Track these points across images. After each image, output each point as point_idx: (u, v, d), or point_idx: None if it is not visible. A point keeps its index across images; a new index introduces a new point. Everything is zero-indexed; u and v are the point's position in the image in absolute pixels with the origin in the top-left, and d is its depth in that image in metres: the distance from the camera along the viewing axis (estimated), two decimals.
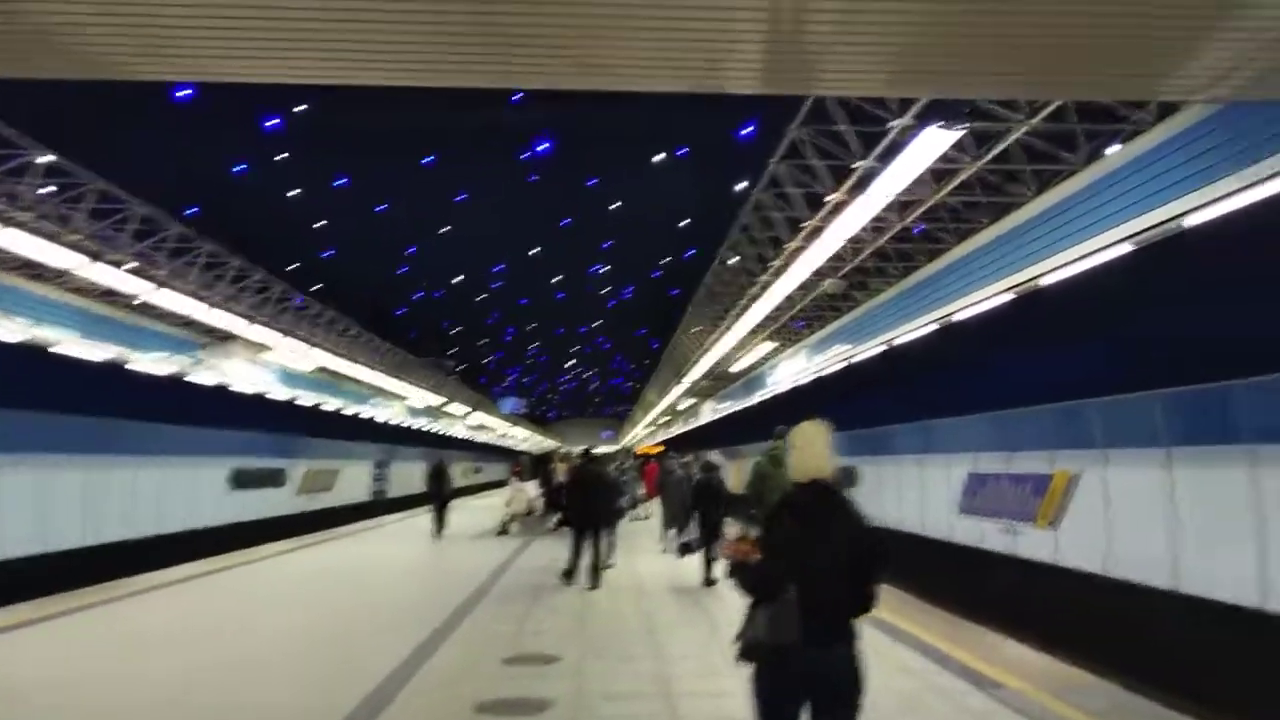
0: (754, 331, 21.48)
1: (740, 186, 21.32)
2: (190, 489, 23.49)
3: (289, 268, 22.60)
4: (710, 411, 40.01)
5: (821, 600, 3.45)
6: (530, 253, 34.38)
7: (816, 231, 13.85)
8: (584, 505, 12.58)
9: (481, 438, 65.52)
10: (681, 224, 29.56)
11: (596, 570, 12.25)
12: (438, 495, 22.07)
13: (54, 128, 12.36)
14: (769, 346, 23.66)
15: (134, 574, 14.29)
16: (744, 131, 21.26)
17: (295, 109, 19.93)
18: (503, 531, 21.23)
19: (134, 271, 15.12)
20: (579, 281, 39.78)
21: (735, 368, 26.19)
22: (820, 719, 3.49)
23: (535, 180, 26.68)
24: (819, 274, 15.52)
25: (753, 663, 3.58)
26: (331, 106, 19.64)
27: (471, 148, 23.81)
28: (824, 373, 21.31)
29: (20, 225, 12.03)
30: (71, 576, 14.61)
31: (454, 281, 38.76)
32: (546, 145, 24.10)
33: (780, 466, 9.07)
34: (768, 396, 27.21)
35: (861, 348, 18.54)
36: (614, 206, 28.96)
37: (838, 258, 15.05)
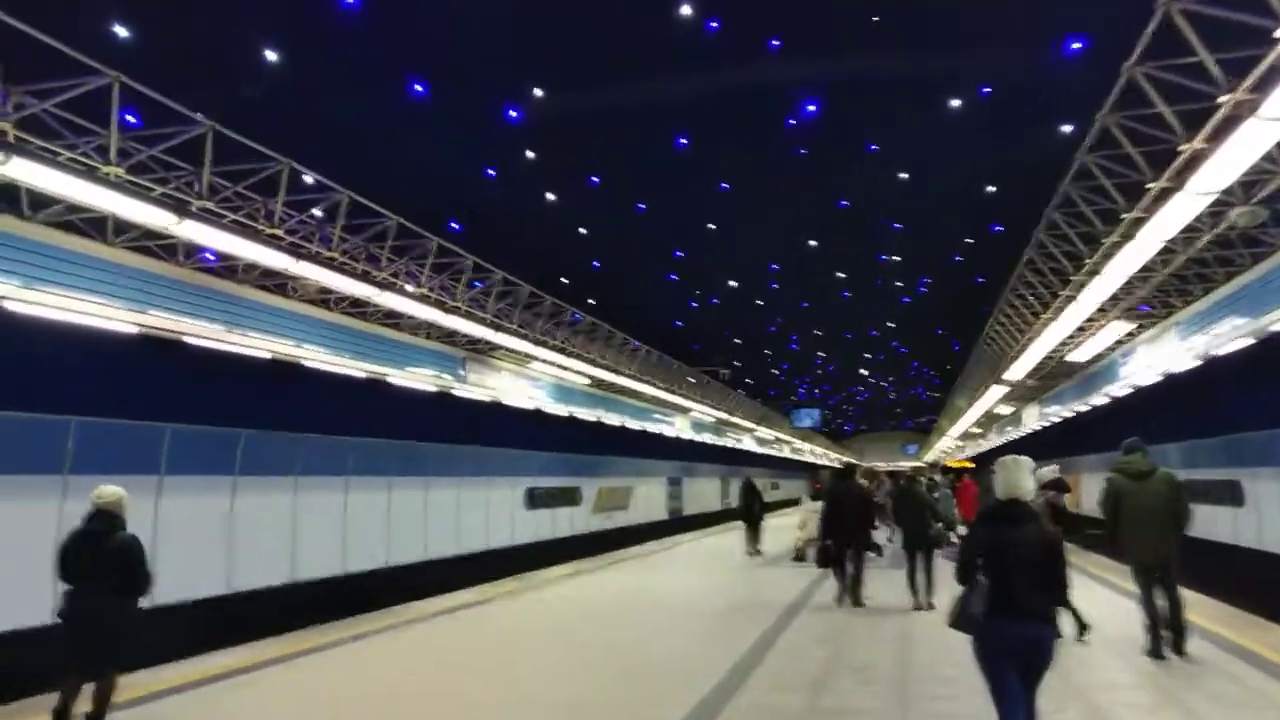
0: (1102, 310, 17.09)
1: (1067, 130, 17.34)
2: (486, 509, 23.84)
3: (559, 277, 21.51)
4: (1037, 418, 34.82)
5: (1014, 588, 4.63)
6: (809, 243, 31.01)
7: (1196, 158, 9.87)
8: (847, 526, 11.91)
9: (774, 453, 63.43)
10: (987, 191, 24.78)
11: (920, 596, 11.27)
12: (749, 512, 22.04)
13: (301, 141, 11.98)
14: (1120, 329, 18.84)
15: (429, 595, 14.10)
16: (1073, 46, 16.82)
17: (532, 93, 18.72)
18: (798, 558, 19.16)
19: (386, 286, 14.65)
20: (866, 275, 35.68)
21: (1074, 356, 21.57)
22: (1023, 678, 4.66)
23: (804, 154, 23.25)
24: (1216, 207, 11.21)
25: (961, 631, 4.82)
26: (566, 91, 18.27)
27: (728, 123, 21.42)
28: (1213, 354, 16.15)
29: (279, 243, 11.78)
30: (368, 599, 14.80)
31: (729, 285, 36.58)
32: (814, 107, 20.86)
33: (1143, 479, 8.23)
34: (1118, 395, 22.40)
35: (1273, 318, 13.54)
36: (901, 178, 24.80)
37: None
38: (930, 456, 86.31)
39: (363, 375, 17.38)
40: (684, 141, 21.67)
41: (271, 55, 15.17)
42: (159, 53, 12.29)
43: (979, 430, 54.22)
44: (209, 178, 10.38)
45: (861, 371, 64.31)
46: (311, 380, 16.21)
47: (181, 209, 9.63)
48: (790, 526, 22.26)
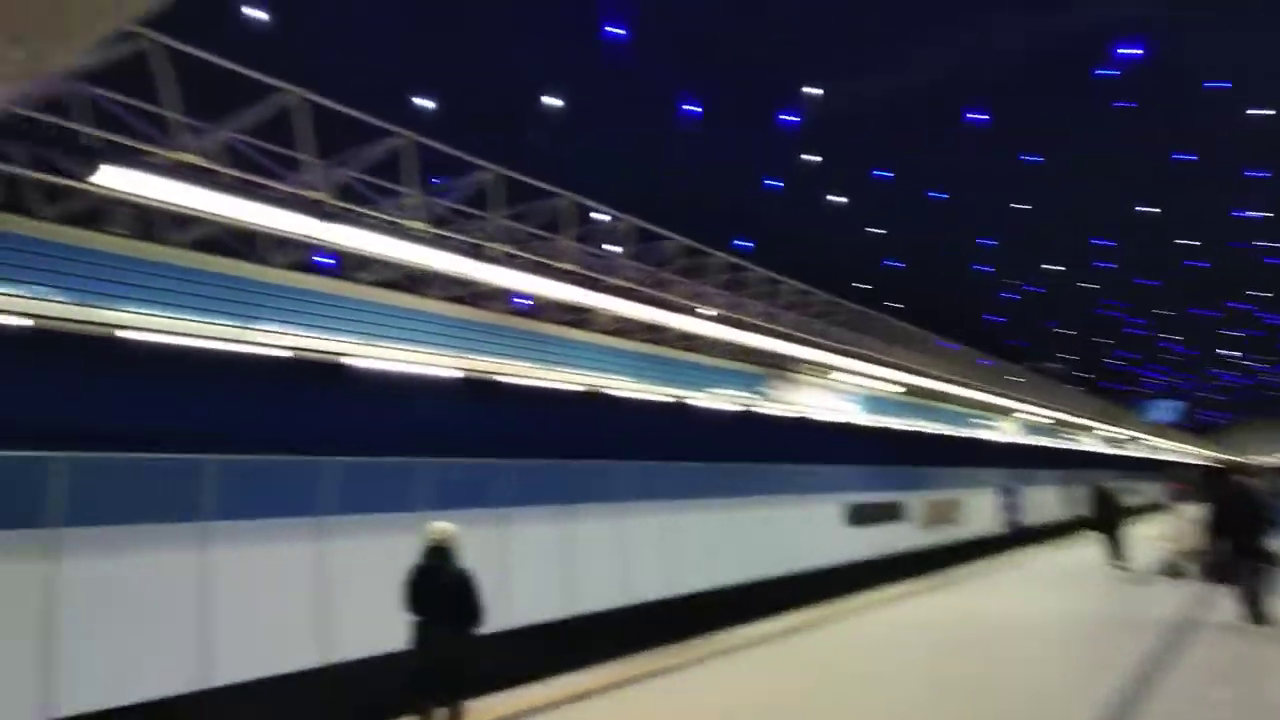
0: None
1: None
2: (806, 528, 23.25)
3: (854, 283, 20.24)
4: None
5: None
6: (1138, 210, 26.63)
7: None
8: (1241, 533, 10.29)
9: (1120, 453, 56.29)
10: None
11: None
12: (1106, 521, 19.41)
13: (582, 176, 12.31)
14: None
15: (754, 618, 13.49)
16: None
17: (805, 93, 17.78)
18: (1172, 573, 16.42)
19: (680, 309, 14.64)
20: (1217, 237, 30.06)
21: None
22: None
23: (1125, 108, 19.89)
24: None
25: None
26: (843, 82, 17.14)
27: (1031, 84, 18.92)
28: None
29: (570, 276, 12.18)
30: (691, 622, 14.55)
31: (1049, 270, 32.65)
32: (1138, 50, 17.74)
33: None
34: None
35: None
36: (1253, 112, 20.37)
37: None
38: None
39: (665, 399, 17.58)
40: (982, 116, 19.58)
41: (551, 100, 15.89)
42: (448, 114, 13.31)
43: None
44: (502, 221, 10.95)
45: (1224, 352, 54.92)
46: (618, 408, 16.65)
47: (478, 253, 10.21)
48: (1151, 537, 19.48)
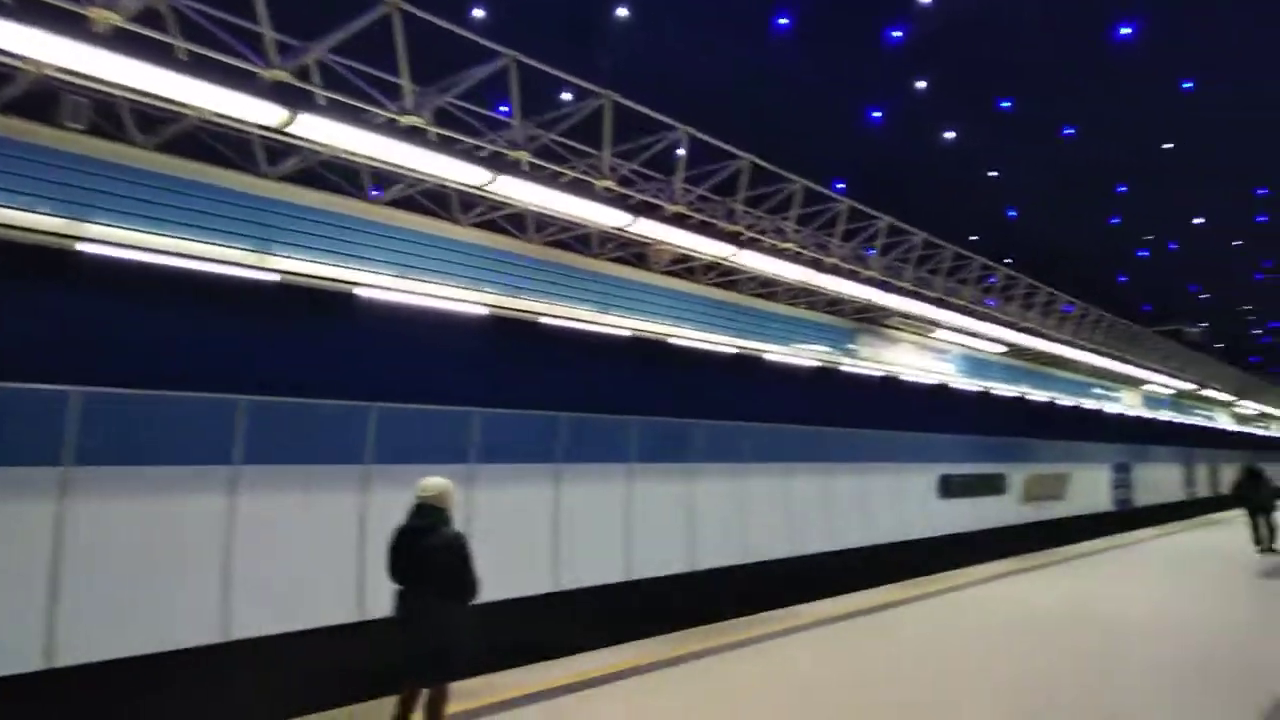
0: None
1: None
2: (895, 498, 21.60)
3: (964, 233, 17.52)
4: None
5: None
6: None
7: None
8: None
9: (1262, 432, 51.35)
10: None
11: None
12: (1253, 501, 18.92)
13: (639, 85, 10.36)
14: None
15: (834, 591, 12.71)
16: None
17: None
18: None
19: (746, 243, 12.63)
20: None
21: None
22: None
23: None
24: None
25: None
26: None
27: None
28: None
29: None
30: (768, 592, 14.11)
31: (1194, 223, 28.55)
32: None
33: None
34: None
35: None
36: None
37: None
38: None
39: (735, 351, 15.78)
40: (1129, 29, 16.30)
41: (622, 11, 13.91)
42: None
43: None
44: (522, 126, 9.17)
45: None
46: (690, 360, 15.18)
47: (497, 164, 8.48)
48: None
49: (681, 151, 12.35)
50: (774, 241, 12.80)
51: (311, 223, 10.50)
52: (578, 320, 12.79)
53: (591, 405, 14.35)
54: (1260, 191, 25.71)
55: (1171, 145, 22.12)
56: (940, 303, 16.94)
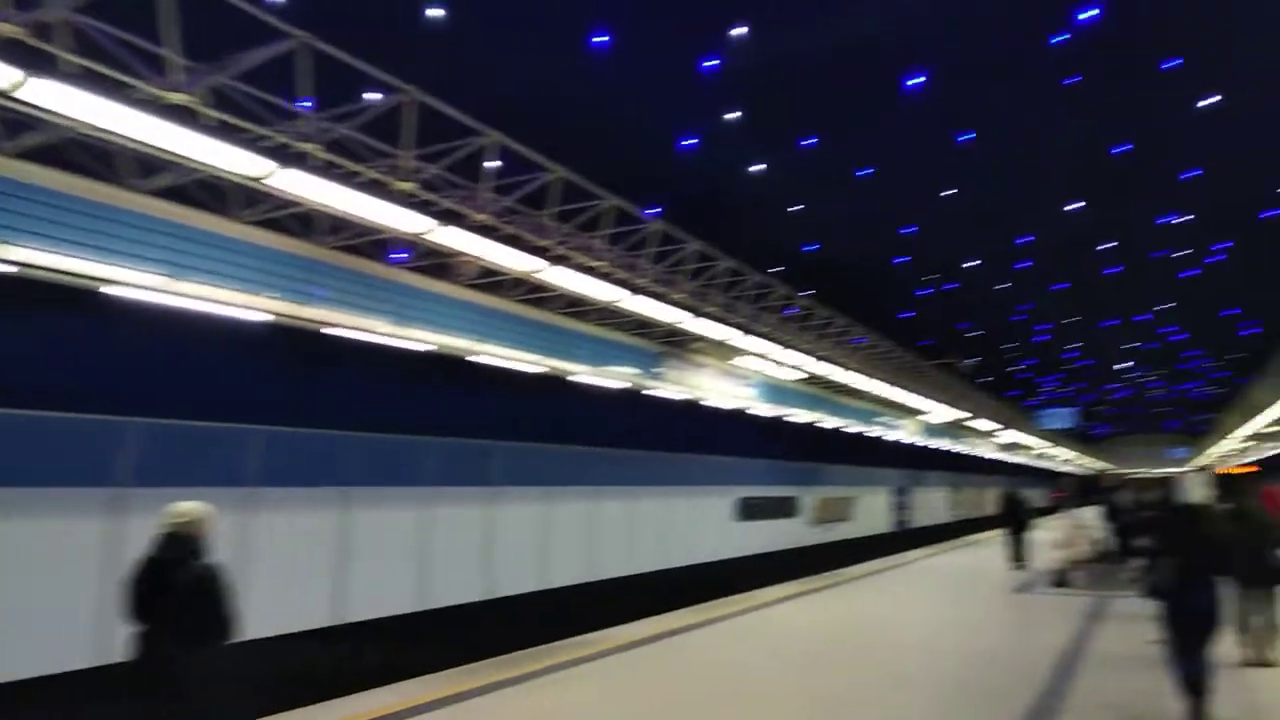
0: None
1: None
2: (693, 520, 21.97)
3: (765, 265, 18.05)
4: None
5: (1191, 568, 6.81)
6: (1068, 209, 25.28)
7: None
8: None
9: (1016, 460, 56.90)
10: None
11: None
12: (1013, 524, 21.34)
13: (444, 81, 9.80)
14: None
15: (635, 615, 12.91)
16: None
17: (731, 35, 15.57)
18: (1059, 583, 16.80)
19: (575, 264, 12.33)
20: (1139, 244, 29.14)
21: None
22: (1198, 640, 6.70)
23: (1075, 84, 18.15)
24: None
25: (1154, 599, 7.04)
26: (772, 28, 15.02)
27: (976, 48, 16.96)
28: None
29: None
30: (568, 615, 14.02)
31: (968, 265, 31.22)
32: (1095, 11, 15.93)
33: None
34: None
35: None
36: (1203, 104, 18.89)
37: None
38: (1202, 461, 75.76)
39: (543, 371, 15.41)
40: (918, 80, 17.54)
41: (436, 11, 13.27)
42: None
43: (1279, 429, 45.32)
44: (314, 118, 8.41)
45: (1123, 365, 55.75)
46: (495, 379, 14.68)
47: (282, 156, 7.66)
48: (1042, 543, 20.09)
49: (493, 162, 11.97)
50: (584, 259, 12.53)
51: (57, 209, 9.15)
52: (373, 332, 11.94)
53: (388, 425, 13.53)
54: (1021, 240, 28.49)
55: (953, 192, 24.04)
56: (744, 329, 17.34)
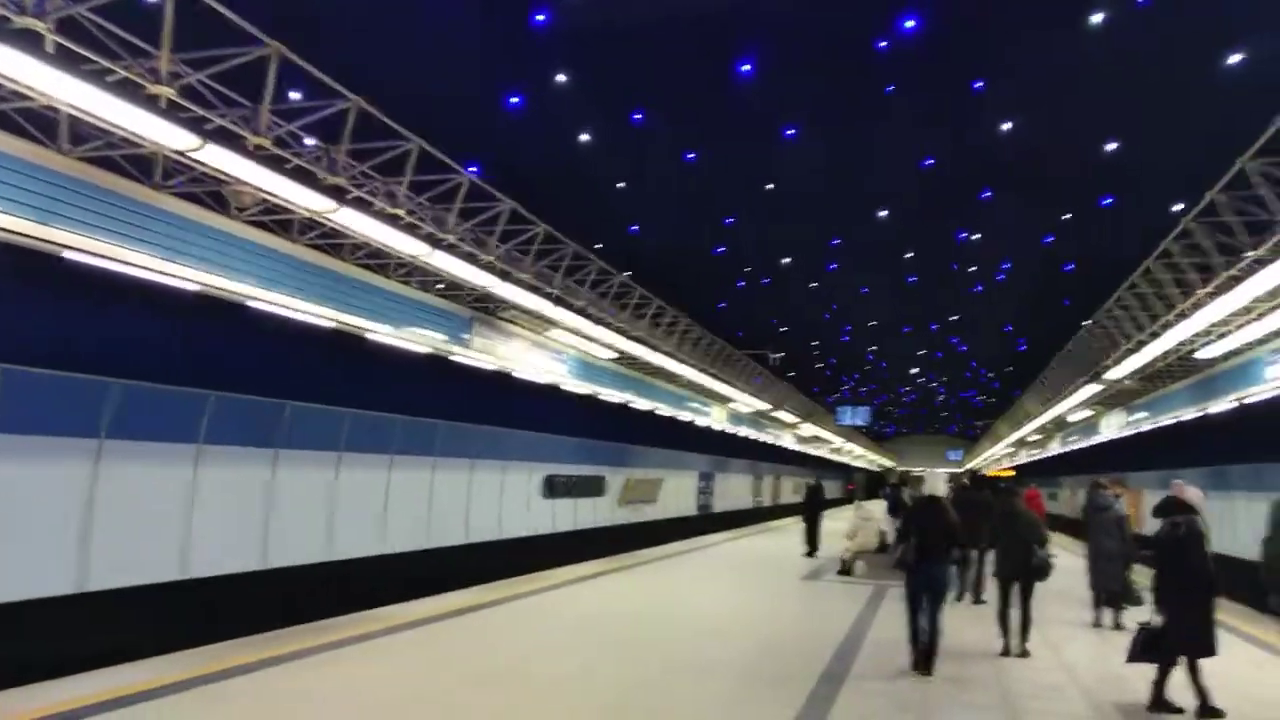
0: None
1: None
2: (499, 495, 21.59)
3: (596, 245, 17.49)
4: (1117, 427, 30.75)
5: (929, 547, 8.48)
6: (879, 215, 26.42)
7: None
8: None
9: (813, 452, 59.85)
10: (1107, 150, 20.24)
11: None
12: (810, 512, 22.20)
13: None
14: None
15: (432, 590, 12.85)
16: None
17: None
18: (845, 571, 17.63)
19: (387, 219, 11.33)
20: (938, 257, 31.07)
21: (1206, 352, 17.65)
22: (929, 603, 8.48)
23: (892, 92, 18.81)
24: None
25: (901, 571, 8.76)
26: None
27: (807, 41, 17.15)
28: None
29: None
30: (354, 589, 13.76)
31: (783, 263, 32.06)
32: (914, 22, 16.48)
33: None
34: (1254, 400, 18.46)
35: None
36: (1005, 128, 20.16)
37: None
38: (975, 464, 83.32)
39: (335, 326, 14.25)
40: (748, 67, 17.53)
41: None
42: None
43: (1039, 437, 50.17)
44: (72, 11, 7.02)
45: (913, 370, 59.86)
46: (283, 332, 13.46)
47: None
48: (834, 533, 20.85)
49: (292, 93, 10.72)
50: (384, 206, 11.53)
51: None
52: (132, 265, 10.44)
53: (151, 372, 12.01)
54: (833, 242, 29.56)
55: (772, 186, 24.44)
56: (558, 300, 16.81)
